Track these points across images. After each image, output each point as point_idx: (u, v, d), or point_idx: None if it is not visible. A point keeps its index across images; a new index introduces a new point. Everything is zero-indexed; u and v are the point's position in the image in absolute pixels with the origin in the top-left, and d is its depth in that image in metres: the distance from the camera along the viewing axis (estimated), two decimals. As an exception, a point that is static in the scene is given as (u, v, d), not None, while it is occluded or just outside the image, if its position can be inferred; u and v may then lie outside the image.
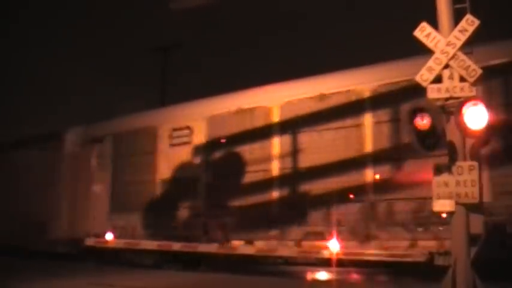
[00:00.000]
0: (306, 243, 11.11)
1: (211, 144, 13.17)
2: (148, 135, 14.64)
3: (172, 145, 13.97)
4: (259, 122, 12.42)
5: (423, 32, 7.10)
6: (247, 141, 12.51)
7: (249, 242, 11.93)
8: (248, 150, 12.43)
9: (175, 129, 14.03)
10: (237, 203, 12.43)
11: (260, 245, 11.72)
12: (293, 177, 11.69)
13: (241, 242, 12.07)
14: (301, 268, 12.14)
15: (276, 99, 12.25)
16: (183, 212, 13.40)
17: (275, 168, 11.98)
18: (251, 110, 12.58)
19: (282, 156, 11.90)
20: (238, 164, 12.53)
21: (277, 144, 12.02)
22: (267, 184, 12.01)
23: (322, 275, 12.08)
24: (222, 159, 12.98)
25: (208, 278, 11.92)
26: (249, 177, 12.35)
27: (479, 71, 6.68)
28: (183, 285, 10.62)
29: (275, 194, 11.91)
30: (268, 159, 12.10)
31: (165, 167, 14.06)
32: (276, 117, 12.18)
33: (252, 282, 10.86)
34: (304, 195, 11.40)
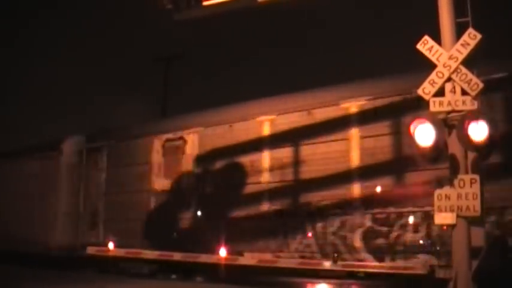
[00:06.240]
0: (306, 255, 11.08)
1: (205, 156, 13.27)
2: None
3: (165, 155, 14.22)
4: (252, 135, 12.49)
5: (425, 45, 7.16)
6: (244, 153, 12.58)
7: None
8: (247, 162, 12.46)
9: (168, 140, 14.24)
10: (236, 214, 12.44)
11: (260, 256, 11.68)
12: (292, 188, 11.69)
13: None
14: (301, 280, 12.10)
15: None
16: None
17: (276, 179, 11.98)
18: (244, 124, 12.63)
19: (281, 168, 11.90)
20: (236, 176, 12.56)
21: (274, 156, 12.05)
22: (267, 195, 12.02)
23: (323, 287, 12.05)
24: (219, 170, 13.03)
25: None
26: (249, 189, 12.37)
27: (481, 85, 6.73)
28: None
29: (275, 205, 11.90)
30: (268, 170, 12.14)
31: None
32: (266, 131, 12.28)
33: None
34: (305, 207, 11.38)
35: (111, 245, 14.24)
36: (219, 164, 13.00)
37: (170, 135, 14.15)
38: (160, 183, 14.12)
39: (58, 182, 16.63)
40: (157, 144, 14.36)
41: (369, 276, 10.35)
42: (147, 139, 14.64)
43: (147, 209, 14.26)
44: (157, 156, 14.31)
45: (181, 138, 13.87)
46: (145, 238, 13.99)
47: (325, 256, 10.75)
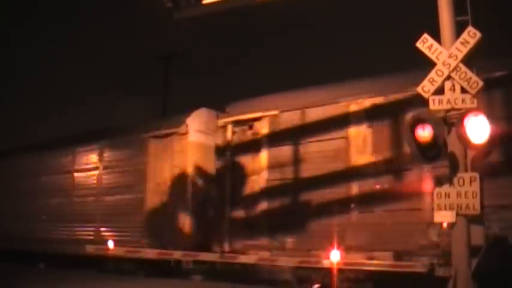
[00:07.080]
0: (308, 253, 11.07)
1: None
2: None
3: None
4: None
5: (425, 44, 7.17)
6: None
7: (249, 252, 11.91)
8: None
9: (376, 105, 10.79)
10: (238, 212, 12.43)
11: (261, 255, 11.67)
12: (293, 186, 11.69)
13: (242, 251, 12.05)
14: (302, 278, 12.09)
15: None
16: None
17: (276, 177, 11.98)
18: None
19: (280, 166, 11.87)
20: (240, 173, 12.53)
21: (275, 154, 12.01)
22: (268, 193, 12.03)
23: (323, 285, 12.03)
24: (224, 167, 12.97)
25: (210, 287, 11.94)
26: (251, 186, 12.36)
27: (481, 83, 6.74)
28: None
29: (276, 203, 11.90)
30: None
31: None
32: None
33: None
34: (305, 204, 11.38)
35: (111, 244, 14.17)
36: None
37: (380, 99, 10.59)
38: (368, 161, 10.60)
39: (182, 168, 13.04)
40: (357, 110, 10.87)
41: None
42: (340, 106, 11.10)
43: (347, 199, 10.77)
44: (358, 127, 10.79)
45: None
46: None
47: None
